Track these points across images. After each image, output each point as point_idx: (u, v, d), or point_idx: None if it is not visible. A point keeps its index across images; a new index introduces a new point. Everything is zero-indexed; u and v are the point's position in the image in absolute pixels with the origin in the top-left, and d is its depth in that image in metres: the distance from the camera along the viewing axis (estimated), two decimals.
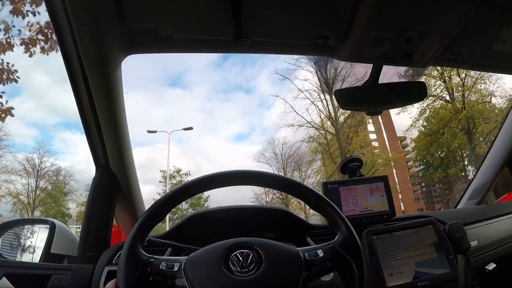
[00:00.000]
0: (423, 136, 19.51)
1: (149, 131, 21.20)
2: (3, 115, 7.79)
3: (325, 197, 0.88)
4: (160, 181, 22.63)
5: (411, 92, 1.12)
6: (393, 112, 21.56)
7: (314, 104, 20.76)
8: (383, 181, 1.36)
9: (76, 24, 0.83)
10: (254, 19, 0.85)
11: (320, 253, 0.80)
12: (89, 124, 1.14)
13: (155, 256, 0.78)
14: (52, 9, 0.88)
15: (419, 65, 1.06)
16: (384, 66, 1.06)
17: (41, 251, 1.25)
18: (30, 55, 6.64)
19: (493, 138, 1.84)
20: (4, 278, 0.96)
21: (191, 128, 21.57)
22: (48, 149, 23.61)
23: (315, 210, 0.89)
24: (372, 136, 24.40)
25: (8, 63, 7.04)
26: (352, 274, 0.78)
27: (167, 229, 1.32)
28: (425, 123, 19.57)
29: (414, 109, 18.81)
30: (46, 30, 6.39)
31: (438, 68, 15.89)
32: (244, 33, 0.88)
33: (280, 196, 21.59)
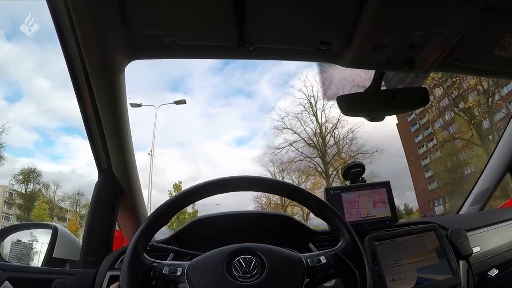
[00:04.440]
0: None
1: (132, 104, 16.82)
2: None
3: (327, 203, 0.88)
4: None
5: (413, 98, 1.12)
6: None
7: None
8: (385, 187, 1.36)
9: (80, 29, 0.84)
10: (257, 25, 0.86)
11: (323, 259, 0.80)
12: (92, 128, 1.14)
13: (158, 261, 0.78)
14: (56, 14, 0.88)
15: (421, 71, 1.06)
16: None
17: (44, 256, 1.25)
18: None
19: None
20: (6, 282, 0.96)
21: (183, 102, 19.21)
22: None
23: (317, 216, 0.89)
24: None
25: None
26: (354, 281, 0.78)
27: None
28: None
29: None
30: None
31: None
32: (247, 39, 0.88)
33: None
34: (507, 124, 1.73)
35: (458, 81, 18.17)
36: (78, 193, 25.62)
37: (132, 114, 1.18)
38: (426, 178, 25.53)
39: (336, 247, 0.83)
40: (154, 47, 0.96)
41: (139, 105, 17.78)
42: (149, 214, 0.84)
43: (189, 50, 0.98)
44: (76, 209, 26.20)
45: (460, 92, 19.05)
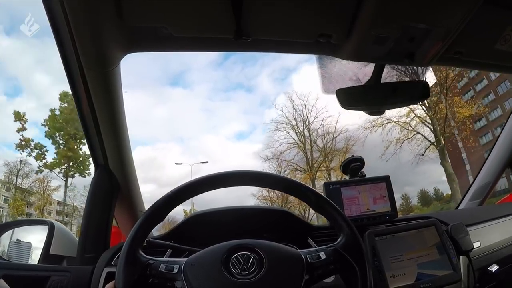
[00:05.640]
0: None
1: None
2: None
3: (327, 198, 0.87)
4: None
5: (413, 92, 1.11)
6: None
7: None
8: (385, 182, 1.35)
9: (74, 22, 0.82)
10: (255, 17, 0.84)
11: (322, 255, 0.79)
12: (88, 123, 1.13)
13: (155, 258, 0.77)
14: (50, 6, 0.87)
15: (421, 64, 1.05)
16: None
17: (40, 252, 1.24)
18: None
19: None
20: (1, 280, 0.95)
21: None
22: None
23: (317, 211, 0.87)
24: None
25: None
26: (355, 277, 0.77)
27: None
28: None
29: None
30: None
31: None
32: (245, 31, 0.87)
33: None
34: (507, 119, 1.72)
35: None
36: (20, 161, 23.00)
37: (130, 108, 1.17)
38: (482, 145, 21.54)
39: (336, 242, 0.82)
40: (150, 40, 0.94)
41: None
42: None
43: (185, 43, 0.96)
44: (15, 181, 23.83)
45: None
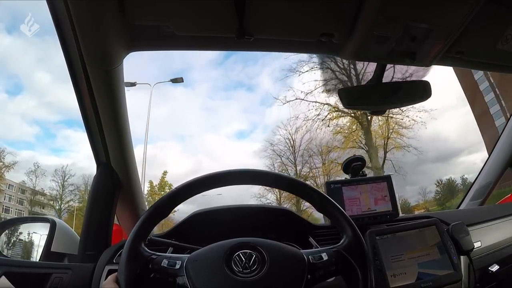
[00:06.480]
0: None
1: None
2: None
3: (331, 199, 0.87)
4: None
5: (415, 91, 1.11)
6: None
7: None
8: (386, 181, 1.35)
9: (78, 20, 0.82)
10: (257, 16, 0.84)
11: (325, 256, 0.79)
12: (90, 121, 1.13)
13: (157, 253, 0.77)
14: (53, 4, 0.87)
15: (423, 64, 1.05)
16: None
17: (42, 250, 1.25)
18: None
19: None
20: (3, 277, 0.95)
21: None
22: None
23: (320, 211, 0.88)
24: None
25: None
26: (356, 279, 0.77)
27: None
28: None
29: None
30: None
31: None
32: (247, 31, 0.87)
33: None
34: (509, 119, 1.72)
35: None
36: None
37: (132, 107, 1.16)
38: None
39: (339, 244, 0.82)
40: (152, 38, 0.94)
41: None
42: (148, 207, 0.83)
43: (188, 41, 0.96)
44: None
45: None
